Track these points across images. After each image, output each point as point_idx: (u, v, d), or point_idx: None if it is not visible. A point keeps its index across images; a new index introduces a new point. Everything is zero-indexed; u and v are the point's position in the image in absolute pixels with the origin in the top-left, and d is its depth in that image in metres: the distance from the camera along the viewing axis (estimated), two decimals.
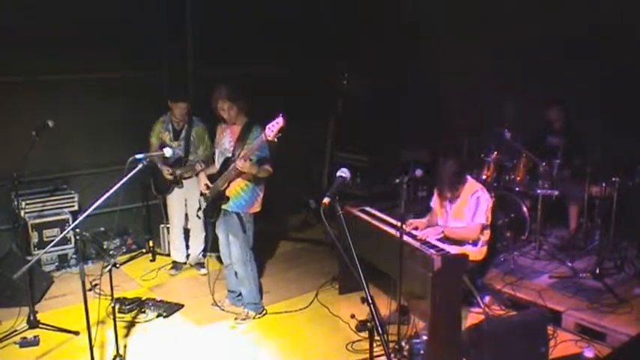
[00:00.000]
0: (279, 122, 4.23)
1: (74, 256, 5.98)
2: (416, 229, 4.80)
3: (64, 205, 6.09)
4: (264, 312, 5.14)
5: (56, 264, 5.98)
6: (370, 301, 2.68)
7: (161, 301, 5.29)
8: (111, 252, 6.20)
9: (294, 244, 6.86)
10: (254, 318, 5.05)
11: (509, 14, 6.69)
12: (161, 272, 6.03)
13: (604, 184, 5.43)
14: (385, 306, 4.61)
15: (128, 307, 5.08)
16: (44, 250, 4.48)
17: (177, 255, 6.06)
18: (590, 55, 5.98)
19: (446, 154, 4.86)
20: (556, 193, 5.83)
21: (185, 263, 6.11)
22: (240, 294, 5.18)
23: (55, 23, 5.84)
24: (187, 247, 6.07)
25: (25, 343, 4.54)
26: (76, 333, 4.64)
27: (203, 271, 5.90)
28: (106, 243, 6.23)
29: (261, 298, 5.23)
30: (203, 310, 5.21)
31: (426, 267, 4.21)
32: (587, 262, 5.60)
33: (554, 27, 6.33)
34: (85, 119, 6.28)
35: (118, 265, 5.62)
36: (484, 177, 6.04)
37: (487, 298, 5.15)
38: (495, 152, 6.08)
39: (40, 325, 4.69)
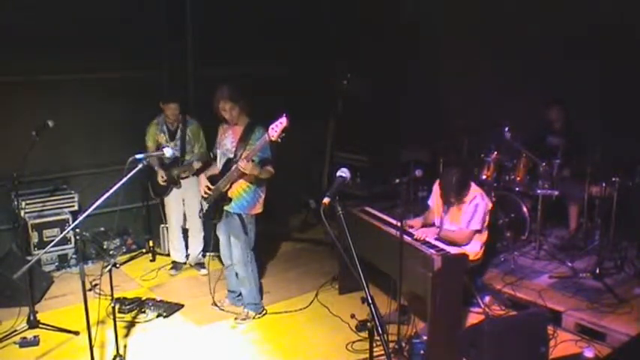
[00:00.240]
0: (282, 122, 4.22)
1: (74, 256, 5.98)
2: (411, 228, 4.81)
3: (64, 205, 6.09)
4: (264, 312, 5.14)
5: (56, 264, 5.98)
6: (370, 301, 2.68)
7: (161, 301, 5.29)
8: (111, 252, 6.20)
9: (294, 244, 6.86)
10: (254, 318, 5.05)
11: (509, 14, 6.69)
12: (161, 272, 6.02)
13: (604, 184, 5.43)
14: (385, 306, 4.62)
15: (128, 307, 5.08)
16: (44, 250, 4.47)
17: (177, 255, 6.07)
18: (590, 55, 5.98)
19: (450, 163, 4.90)
20: (556, 193, 5.83)
21: (185, 263, 6.11)
22: (240, 294, 5.18)
23: (55, 23, 5.84)
24: (187, 247, 6.07)
25: (25, 343, 4.54)
26: (76, 333, 4.64)
27: (203, 271, 5.90)
28: (106, 243, 6.23)
29: (262, 299, 5.23)
30: (203, 310, 5.21)
31: (426, 267, 4.21)
32: (587, 262, 5.60)
33: (554, 27, 6.33)
34: (85, 119, 6.28)
35: (118, 265, 5.63)
36: (484, 177, 6.05)
37: (487, 298, 5.15)
38: (495, 152, 6.08)
39: (40, 325, 4.69)
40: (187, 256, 6.09)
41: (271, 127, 4.26)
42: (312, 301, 5.35)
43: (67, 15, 5.89)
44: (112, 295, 4.24)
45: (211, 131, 5.39)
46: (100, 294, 4.86)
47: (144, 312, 5.10)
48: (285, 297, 5.46)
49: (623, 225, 5.52)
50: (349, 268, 2.81)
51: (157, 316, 5.06)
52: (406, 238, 4.38)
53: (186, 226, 6.01)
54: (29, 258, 5.30)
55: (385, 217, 4.98)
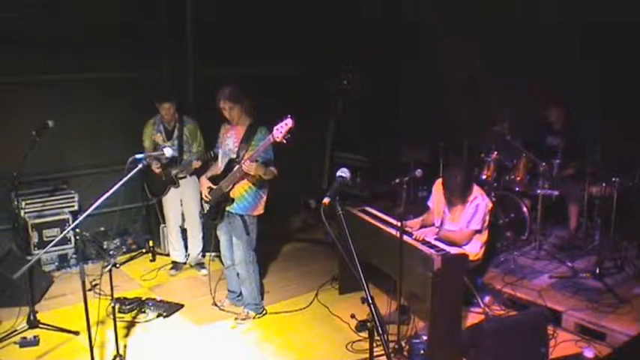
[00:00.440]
0: (287, 123, 4.21)
1: (74, 256, 5.98)
2: (410, 229, 4.81)
3: (64, 205, 6.09)
4: (265, 312, 5.14)
5: (56, 264, 5.98)
6: (370, 301, 2.68)
7: (161, 301, 5.29)
8: (111, 252, 6.20)
9: (294, 244, 6.86)
10: (254, 318, 5.05)
11: (509, 14, 6.68)
12: (161, 272, 6.02)
13: (604, 184, 5.43)
14: (385, 306, 4.61)
15: (128, 307, 5.08)
16: (44, 250, 4.48)
17: (177, 255, 6.06)
18: (590, 55, 5.98)
19: (454, 165, 4.94)
20: (556, 193, 5.83)
21: (185, 263, 6.11)
22: (240, 294, 5.18)
23: (55, 23, 5.84)
24: (186, 247, 6.07)
25: (25, 343, 4.54)
26: (76, 333, 4.64)
27: (204, 271, 5.89)
28: (106, 243, 6.23)
29: (262, 299, 5.23)
30: (203, 310, 5.21)
31: (426, 267, 4.21)
32: (587, 262, 5.60)
33: (554, 27, 6.32)
34: (85, 119, 6.27)
35: (118, 265, 5.61)
36: (484, 177, 6.04)
37: (487, 298, 5.15)
38: (495, 152, 6.08)
39: (40, 325, 4.69)
40: (187, 256, 6.09)
41: (276, 128, 4.25)
42: (312, 301, 5.35)
43: (67, 15, 5.89)
44: (112, 295, 4.23)
45: (212, 131, 5.39)
46: (100, 294, 4.87)
47: (144, 312, 5.10)
48: (285, 297, 5.46)
49: (623, 225, 5.51)
50: (349, 268, 2.81)
51: (157, 316, 5.06)
52: (406, 238, 4.38)
53: (185, 226, 6.00)
54: (29, 258, 5.30)
55: (385, 217, 4.98)
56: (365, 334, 4.46)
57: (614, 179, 5.27)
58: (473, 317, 4.92)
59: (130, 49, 6.25)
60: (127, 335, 4.75)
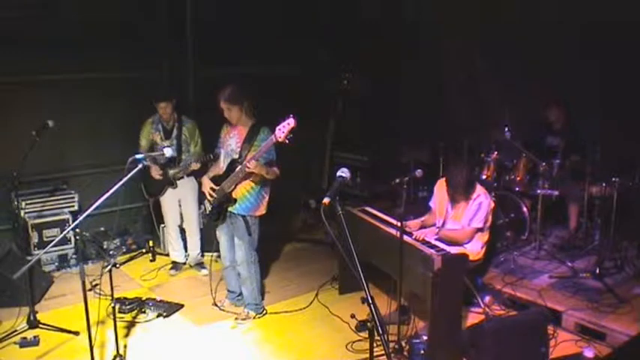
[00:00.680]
0: (290, 123, 4.21)
1: (74, 256, 5.98)
2: (409, 228, 4.81)
3: (64, 205, 6.09)
4: (265, 312, 5.14)
5: (56, 264, 5.98)
6: (370, 301, 2.68)
7: (161, 301, 5.29)
8: (111, 252, 6.20)
9: (294, 244, 6.86)
10: (254, 318, 5.05)
11: (509, 14, 6.69)
12: (161, 272, 6.02)
13: (604, 184, 5.43)
14: (385, 306, 4.61)
15: (128, 307, 5.07)
16: (44, 250, 4.48)
17: (176, 255, 6.05)
18: (590, 55, 5.98)
19: (457, 163, 4.97)
20: (556, 193, 5.84)
21: (184, 263, 6.11)
22: (240, 294, 5.18)
23: (55, 23, 5.84)
24: (186, 248, 6.06)
25: (25, 343, 4.54)
26: (76, 333, 4.64)
27: (204, 271, 5.89)
28: (106, 243, 6.23)
29: (262, 299, 5.23)
30: (203, 310, 5.21)
31: (426, 267, 4.21)
32: (587, 262, 5.60)
33: (554, 27, 6.32)
34: (85, 119, 6.28)
35: (118, 265, 5.61)
36: (484, 177, 6.05)
37: (487, 298, 5.15)
38: (495, 152, 6.08)
39: (40, 325, 4.69)
40: (187, 256, 6.08)
41: (278, 128, 4.25)
42: (312, 301, 5.35)
43: (67, 15, 5.89)
44: (112, 295, 4.23)
45: (212, 131, 5.39)
46: (100, 294, 4.87)
47: (144, 312, 5.10)
48: (285, 297, 5.46)
49: (623, 225, 5.51)
50: (349, 268, 2.81)
51: (157, 316, 5.06)
52: (406, 237, 4.38)
53: (184, 226, 5.99)
54: (29, 258, 5.30)
55: (385, 217, 4.98)
56: (365, 334, 4.46)
57: (614, 179, 5.27)
58: (473, 317, 4.92)
59: (130, 49, 6.25)
60: (127, 335, 4.75)
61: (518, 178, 6.03)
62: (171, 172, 5.61)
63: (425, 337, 4.37)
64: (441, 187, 5.02)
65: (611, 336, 4.48)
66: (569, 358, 4.31)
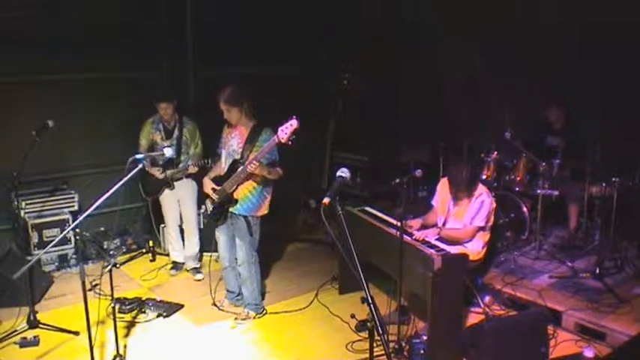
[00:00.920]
0: (292, 124, 4.21)
1: (74, 256, 5.98)
2: (410, 228, 4.82)
3: (64, 205, 6.09)
4: (265, 312, 5.14)
5: (56, 264, 5.98)
6: (370, 301, 2.68)
7: (161, 301, 5.29)
8: (111, 252, 6.20)
9: (294, 244, 6.86)
10: (254, 318, 5.05)
11: (509, 14, 6.69)
12: (161, 272, 6.02)
13: (604, 184, 5.43)
14: (385, 306, 4.61)
15: (128, 307, 5.08)
16: (44, 250, 4.48)
17: (177, 255, 6.04)
18: (590, 55, 5.98)
19: (459, 162, 4.98)
20: (556, 193, 5.84)
21: (184, 263, 6.10)
22: (239, 294, 5.19)
23: (55, 23, 5.84)
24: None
25: (25, 343, 4.54)
26: (76, 333, 4.64)
27: (199, 276, 5.83)
28: (106, 243, 6.23)
29: (262, 299, 5.23)
30: (203, 310, 5.21)
31: (426, 267, 4.21)
32: (587, 262, 5.60)
33: (554, 27, 6.32)
34: (85, 119, 6.28)
35: (118, 265, 5.61)
36: (484, 177, 6.05)
37: (487, 298, 5.15)
38: (495, 152, 6.08)
39: (40, 325, 4.69)
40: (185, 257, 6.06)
41: (280, 129, 4.25)
42: (312, 301, 5.35)
43: (67, 15, 5.89)
44: (112, 295, 4.23)
45: (211, 131, 5.39)
46: (100, 294, 4.87)
47: (144, 312, 5.10)
48: (285, 297, 5.46)
49: (623, 225, 5.51)
50: (349, 268, 2.81)
51: (157, 316, 5.06)
52: (406, 238, 4.38)
53: (183, 227, 5.97)
54: (29, 258, 5.30)
55: (385, 217, 4.98)
56: (365, 334, 4.46)
57: (614, 179, 5.27)
58: (473, 317, 4.92)
59: (130, 49, 6.25)
60: (127, 335, 4.75)
61: (518, 178, 6.03)
62: (168, 172, 5.60)
63: (425, 337, 4.38)
64: (443, 186, 5.03)
65: (611, 336, 4.48)
66: (569, 358, 4.31)
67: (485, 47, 6.97)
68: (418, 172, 4.59)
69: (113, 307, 4.34)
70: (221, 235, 5.03)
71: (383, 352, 3.62)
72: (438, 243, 4.51)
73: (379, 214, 5.05)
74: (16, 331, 4.65)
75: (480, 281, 5.28)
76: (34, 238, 5.86)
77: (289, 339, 4.76)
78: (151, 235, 6.51)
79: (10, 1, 5.66)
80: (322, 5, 7.78)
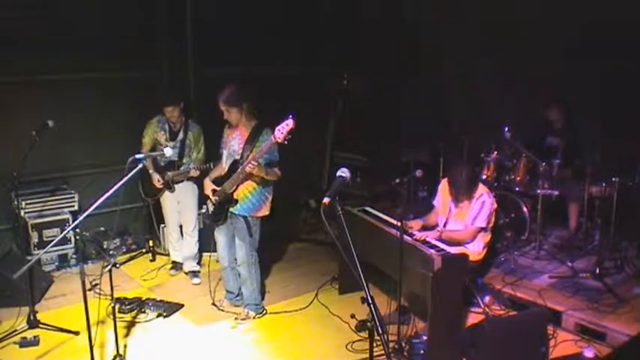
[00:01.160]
0: (288, 124, 4.22)
1: (74, 256, 5.98)
2: (411, 228, 4.82)
3: (64, 205, 6.08)
4: (265, 312, 5.14)
5: (56, 264, 5.98)
6: (370, 301, 2.68)
7: (161, 301, 5.29)
8: (111, 252, 6.20)
9: (294, 244, 6.86)
10: (254, 318, 5.05)
11: (509, 14, 6.69)
12: (161, 272, 6.02)
13: (604, 184, 5.43)
14: (385, 306, 4.61)
15: (128, 307, 5.08)
16: (44, 250, 4.47)
17: (177, 255, 6.04)
18: (590, 55, 5.98)
19: (457, 163, 5.00)
20: (556, 193, 5.84)
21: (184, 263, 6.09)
22: (238, 294, 5.19)
23: (56, 23, 5.84)
24: None
25: (25, 343, 4.54)
26: (76, 333, 4.64)
27: (196, 280, 5.80)
28: (106, 243, 6.22)
29: (262, 299, 5.23)
30: (203, 310, 5.21)
31: (426, 267, 4.21)
32: (587, 262, 5.61)
33: (555, 27, 6.32)
34: (85, 119, 6.27)
35: (118, 265, 5.61)
36: (484, 177, 6.04)
37: (487, 298, 5.15)
38: (495, 152, 6.08)
39: (40, 325, 4.69)
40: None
41: (277, 128, 4.26)
42: (312, 301, 5.35)
43: (67, 15, 5.89)
44: (112, 295, 4.24)
45: (211, 131, 5.40)
46: (100, 294, 4.86)
47: (144, 312, 5.10)
48: (285, 297, 5.46)
49: (623, 225, 5.51)
50: (349, 268, 2.81)
51: (157, 316, 5.06)
52: (406, 238, 4.38)
53: (182, 230, 5.96)
54: (29, 258, 5.30)
55: (385, 217, 4.98)
56: (365, 334, 4.46)
57: (614, 179, 5.27)
58: (473, 317, 4.92)
59: (130, 49, 6.24)
60: (127, 335, 4.75)
61: (518, 178, 6.03)
62: (170, 173, 5.58)
63: (425, 337, 4.38)
64: (445, 187, 5.03)
65: (611, 336, 4.48)
66: (569, 358, 4.31)
67: (486, 47, 6.97)
68: (418, 173, 4.60)
69: (113, 307, 4.34)
70: (220, 236, 5.03)
71: (383, 352, 3.62)
72: (438, 243, 4.51)
73: (379, 214, 5.05)
74: (16, 331, 4.65)
75: (480, 281, 5.28)
76: (34, 238, 5.86)
77: (289, 339, 4.76)
78: (151, 235, 6.50)
79: (10, 1, 5.65)
80: (322, 5, 7.77)
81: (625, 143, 5.52)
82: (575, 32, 6.09)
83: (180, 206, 5.80)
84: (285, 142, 4.30)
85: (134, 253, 6.45)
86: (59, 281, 5.75)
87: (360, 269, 2.74)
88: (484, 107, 7.08)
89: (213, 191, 4.84)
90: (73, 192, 6.18)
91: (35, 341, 4.56)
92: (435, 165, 6.82)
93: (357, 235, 4.17)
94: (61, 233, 5.52)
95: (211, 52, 6.75)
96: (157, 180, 5.57)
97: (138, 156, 3.90)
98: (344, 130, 7.87)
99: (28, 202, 5.90)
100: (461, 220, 4.87)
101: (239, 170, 4.61)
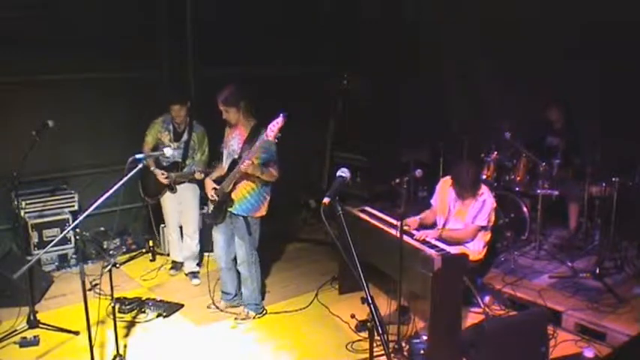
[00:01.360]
0: (278, 122, 4.24)
1: (74, 256, 5.98)
2: (407, 226, 4.81)
3: (64, 205, 6.08)
4: (265, 312, 5.14)
5: (56, 264, 5.98)
6: (370, 301, 2.68)
7: (161, 301, 5.29)
8: (111, 252, 6.20)
9: (294, 244, 6.86)
10: (254, 318, 5.05)
11: (509, 14, 6.69)
12: (161, 272, 6.02)
13: (604, 184, 5.43)
14: (385, 306, 4.62)
15: (128, 307, 5.08)
16: (44, 250, 4.47)
17: (176, 255, 6.03)
18: (590, 55, 5.98)
19: (463, 161, 5.07)
20: (556, 193, 5.84)
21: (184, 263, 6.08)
22: (235, 295, 5.19)
23: (55, 23, 5.84)
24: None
25: (25, 343, 4.54)
26: (76, 333, 4.64)
27: (195, 281, 5.79)
28: (106, 243, 6.22)
29: (263, 299, 5.23)
30: (203, 310, 5.21)
31: (426, 267, 4.21)
32: (587, 262, 5.61)
33: (554, 27, 6.32)
34: (85, 119, 6.27)
35: (118, 265, 5.61)
36: (484, 177, 6.04)
37: (487, 298, 5.15)
38: (495, 152, 6.08)
39: (40, 325, 4.69)
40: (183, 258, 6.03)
41: (269, 127, 4.27)
42: (312, 301, 5.35)
43: (67, 15, 5.89)
44: (112, 295, 4.24)
45: (212, 132, 5.40)
46: (100, 294, 4.86)
47: (144, 312, 5.10)
48: (285, 297, 5.46)
49: (623, 225, 5.51)
50: (349, 268, 2.81)
51: (157, 316, 5.06)
52: (406, 238, 4.37)
53: (183, 231, 5.93)
54: (29, 258, 5.30)
55: (385, 217, 4.97)
56: (365, 334, 4.46)
57: (614, 179, 5.27)
58: (473, 317, 4.92)
59: (130, 49, 6.24)
60: (127, 335, 4.75)
61: (518, 178, 6.03)
62: (172, 174, 5.54)
63: (425, 337, 4.38)
64: (443, 186, 5.02)
65: (611, 336, 4.48)
66: (569, 358, 4.31)
67: (486, 47, 6.97)
68: (418, 172, 4.59)
69: (113, 307, 4.34)
70: (218, 235, 5.02)
71: (383, 352, 3.62)
72: (438, 243, 4.50)
73: (379, 214, 5.05)
74: (16, 330, 4.65)
75: (480, 281, 5.28)
76: (34, 238, 5.86)
77: (289, 339, 4.76)
78: (151, 235, 6.50)
79: (10, 1, 5.65)
80: (322, 5, 7.77)
81: (625, 143, 5.52)
82: (575, 32, 6.09)
83: (181, 207, 5.78)
84: (276, 141, 4.32)
85: (134, 253, 6.45)
86: (59, 281, 5.75)
87: (360, 269, 2.74)
88: (484, 107, 7.08)
89: (214, 190, 4.84)
90: (73, 192, 6.18)
91: (35, 341, 4.56)
92: (435, 165, 6.82)
93: (357, 235, 4.16)
94: (61, 233, 5.51)
95: (211, 52, 6.75)
96: (160, 174, 5.52)
97: (138, 156, 3.90)
98: (344, 130, 7.87)
99: (28, 202, 5.90)
100: (461, 220, 4.87)
101: (236, 169, 4.61)
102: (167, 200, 5.79)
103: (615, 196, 5.27)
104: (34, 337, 4.59)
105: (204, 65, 6.84)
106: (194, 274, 5.87)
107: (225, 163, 4.87)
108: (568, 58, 6.21)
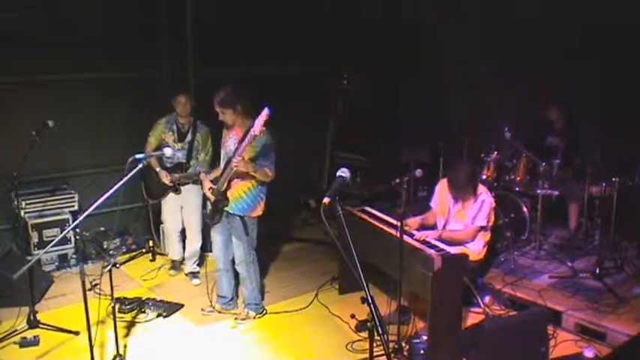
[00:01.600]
0: (263, 116, 4.26)
1: (74, 256, 5.98)
2: (407, 226, 4.80)
3: (64, 205, 6.08)
4: (265, 312, 5.14)
5: (56, 264, 5.98)
6: (370, 301, 2.68)
7: (161, 301, 5.29)
8: (111, 252, 6.20)
9: (294, 244, 6.86)
10: (254, 318, 5.05)
11: (509, 14, 6.69)
12: (161, 272, 6.02)
13: (604, 184, 5.43)
14: (385, 306, 4.61)
15: (128, 307, 5.08)
16: (44, 250, 4.47)
17: (175, 255, 6.01)
18: (590, 55, 5.98)
19: (457, 162, 5.01)
20: (556, 193, 5.84)
21: (183, 262, 6.07)
22: (231, 299, 5.18)
23: (55, 23, 5.84)
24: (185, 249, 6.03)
25: (25, 343, 4.54)
26: (76, 333, 4.65)
27: (195, 281, 5.79)
28: (106, 243, 6.22)
29: (262, 299, 5.23)
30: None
31: (426, 267, 4.21)
32: (587, 262, 5.61)
33: (554, 27, 6.32)
34: (85, 119, 6.27)
35: (118, 265, 5.61)
36: (484, 177, 6.05)
37: (487, 298, 5.15)
38: (495, 152, 6.08)
39: (40, 325, 4.69)
40: (183, 257, 6.02)
41: (256, 122, 4.28)
42: (312, 301, 5.35)
43: (67, 15, 5.89)
44: (112, 295, 4.24)
45: (211, 132, 5.39)
46: (100, 294, 4.86)
47: (144, 312, 5.10)
48: (285, 297, 5.46)
49: (623, 225, 5.51)
50: (349, 268, 2.81)
51: (157, 316, 5.06)
52: (406, 238, 4.37)
53: (186, 233, 5.92)
54: (29, 258, 5.30)
55: (385, 217, 4.97)
56: (365, 334, 4.46)
57: (614, 179, 5.27)
58: (473, 317, 4.92)
59: (130, 49, 6.24)
60: (127, 335, 4.76)
61: (518, 178, 6.03)
62: (176, 175, 5.52)
63: (425, 337, 4.38)
64: (442, 188, 5.02)
65: (611, 336, 4.48)
66: (569, 358, 4.31)
67: (486, 47, 6.97)
68: (418, 172, 4.59)
69: (113, 307, 4.34)
70: (217, 236, 5.00)
71: (383, 352, 3.62)
72: (438, 243, 4.50)
73: (379, 214, 5.05)
74: (16, 331, 4.65)
75: (480, 281, 5.28)
76: (34, 238, 5.85)
77: (289, 339, 4.76)
78: (151, 235, 6.50)
79: (10, 1, 5.65)
80: (322, 5, 7.77)
81: (625, 143, 5.52)
82: (575, 32, 6.09)
83: (184, 208, 5.77)
84: (262, 135, 4.37)
85: (134, 253, 6.45)
86: (59, 281, 5.75)
87: (360, 269, 2.74)
88: (484, 107, 7.08)
89: (211, 189, 4.84)
90: (73, 192, 6.18)
91: (35, 341, 4.56)
92: (435, 165, 6.82)
93: (357, 235, 4.16)
94: (61, 233, 5.51)
95: (211, 52, 6.75)
96: (164, 176, 5.48)
97: (138, 156, 3.90)
98: (344, 130, 7.87)
99: (28, 202, 5.90)
100: (461, 220, 4.87)
101: (229, 167, 4.61)
102: (169, 203, 5.74)
103: (615, 196, 5.27)
104: (34, 337, 4.59)
105: (204, 65, 6.84)
106: (194, 274, 5.86)
107: (222, 163, 4.88)
108: (568, 58, 6.21)
